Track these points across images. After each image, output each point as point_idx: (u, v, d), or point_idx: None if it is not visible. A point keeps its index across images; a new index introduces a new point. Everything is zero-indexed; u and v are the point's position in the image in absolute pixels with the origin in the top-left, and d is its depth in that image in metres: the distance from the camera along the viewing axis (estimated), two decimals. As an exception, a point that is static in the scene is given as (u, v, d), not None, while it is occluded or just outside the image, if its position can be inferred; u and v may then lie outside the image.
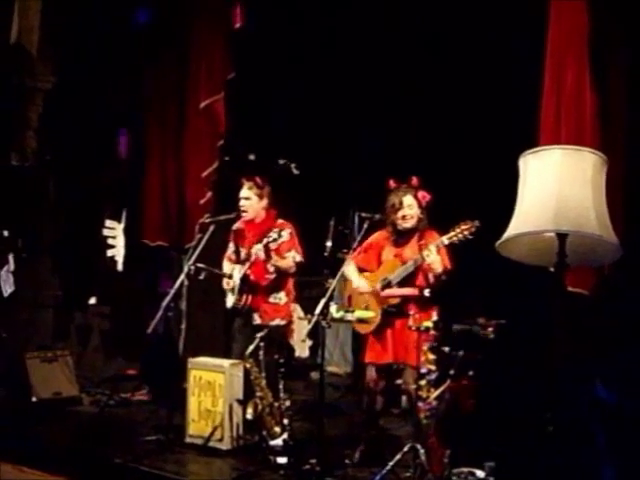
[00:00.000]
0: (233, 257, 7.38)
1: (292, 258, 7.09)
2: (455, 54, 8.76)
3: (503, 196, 5.03)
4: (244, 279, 7.12)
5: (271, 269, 7.11)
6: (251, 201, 7.20)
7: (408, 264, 6.35)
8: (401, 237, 6.56)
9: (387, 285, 6.45)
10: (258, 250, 6.99)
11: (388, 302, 6.44)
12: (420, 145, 9.02)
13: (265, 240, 6.90)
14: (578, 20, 6.43)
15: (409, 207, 6.44)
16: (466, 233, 6.09)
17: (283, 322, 7.17)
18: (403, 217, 6.45)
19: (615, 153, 5.74)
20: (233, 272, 7.25)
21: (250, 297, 7.14)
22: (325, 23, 9.61)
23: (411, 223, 6.47)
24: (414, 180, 6.49)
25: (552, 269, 4.61)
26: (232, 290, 7.20)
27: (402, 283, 6.43)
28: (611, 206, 4.61)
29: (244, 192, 7.22)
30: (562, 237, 4.42)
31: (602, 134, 6.27)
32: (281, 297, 7.20)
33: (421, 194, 6.45)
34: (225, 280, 7.27)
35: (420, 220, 6.48)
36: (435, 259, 6.15)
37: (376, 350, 6.55)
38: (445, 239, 6.17)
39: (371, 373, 6.61)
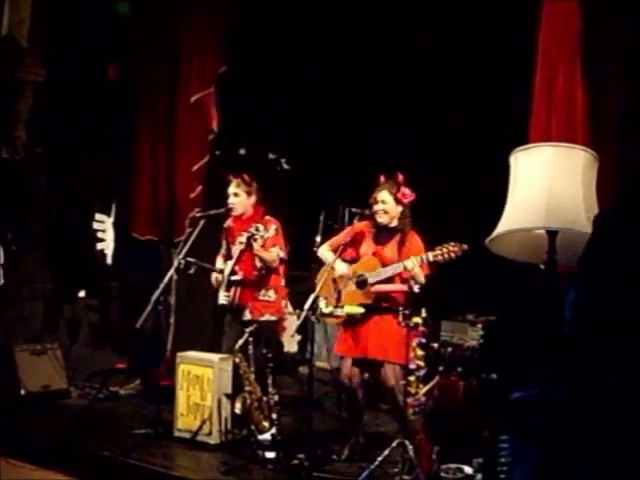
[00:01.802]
0: (226, 254, 7.38)
1: (276, 253, 7.10)
2: (445, 51, 8.76)
3: (494, 192, 5.04)
4: (232, 274, 7.11)
5: (258, 264, 7.09)
6: (240, 198, 7.20)
7: (388, 268, 6.35)
8: (382, 235, 6.57)
9: (362, 282, 6.44)
10: (239, 242, 6.97)
11: (362, 299, 6.45)
12: (411, 141, 9.02)
13: (245, 234, 6.88)
14: (570, 18, 6.43)
15: (382, 202, 6.47)
16: (452, 254, 6.09)
17: (273, 317, 7.16)
18: (376, 212, 6.49)
19: (606, 151, 5.75)
20: (224, 268, 7.25)
21: (239, 292, 7.12)
22: (315, 17, 9.60)
23: (384, 219, 6.49)
24: (399, 177, 6.50)
25: (542, 266, 4.62)
26: (221, 286, 7.20)
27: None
28: (602, 204, 4.63)
29: (232, 189, 7.21)
30: (552, 234, 4.44)
31: (593, 132, 6.28)
32: (271, 294, 7.18)
33: (402, 192, 6.45)
34: (214, 275, 7.27)
35: (401, 218, 6.50)
36: (418, 271, 6.17)
37: (347, 343, 6.57)
38: (430, 256, 6.17)
39: (345, 368, 6.61)
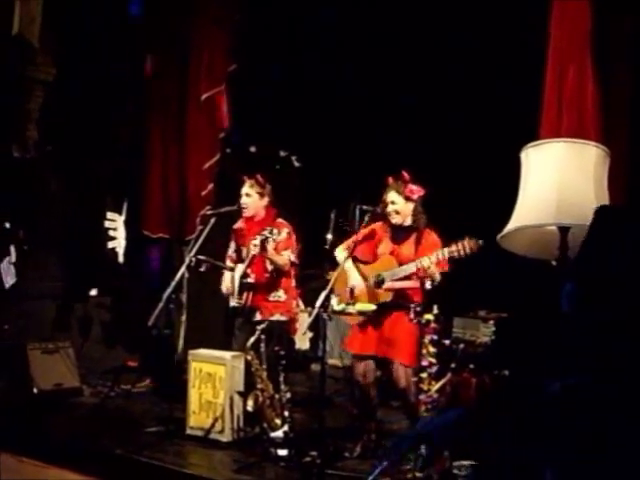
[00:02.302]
0: (234, 256, 7.37)
1: (287, 257, 7.10)
2: (456, 48, 8.75)
3: (505, 189, 5.03)
4: (244, 277, 7.11)
5: (269, 267, 7.10)
6: (252, 198, 7.20)
7: (405, 267, 6.31)
8: (398, 234, 6.56)
9: (380, 282, 6.43)
10: (254, 245, 6.96)
11: (380, 298, 6.44)
12: (421, 137, 9.01)
13: (259, 238, 6.87)
14: (581, 13, 6.43)
15: (392, 203, 6.47)
16: (467, 250, 6.03)
17: (283, 317, 7.15)
18: (389, 214, 6.49)
19: (617, 146, 5.73)
20: (235, 270, 7.25)
21: (250, 296, 7.12)
22: (324, 17, 9.61)
23: (397, 219, 6.49)
24: (404, 175, 6.48)
25: (554, 262, 4.61)
26: (232, 290, 7.19)
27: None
28: (613, 199, 4.61)
29: (245, 189, 7.22)
30: (564, 230, 4.42)
31: (604, 127, 6.27)
32: (280, 295, 7.19)
33: (409, 189, 6.44)
34: (224, 285, 7.28)
35: (414, 215, 6.48)
36: (435, 270, 6.13)
37: (359, 341, 6.57)
38: (446, 252, 6.09)
39: (359, 366, 6.61)
